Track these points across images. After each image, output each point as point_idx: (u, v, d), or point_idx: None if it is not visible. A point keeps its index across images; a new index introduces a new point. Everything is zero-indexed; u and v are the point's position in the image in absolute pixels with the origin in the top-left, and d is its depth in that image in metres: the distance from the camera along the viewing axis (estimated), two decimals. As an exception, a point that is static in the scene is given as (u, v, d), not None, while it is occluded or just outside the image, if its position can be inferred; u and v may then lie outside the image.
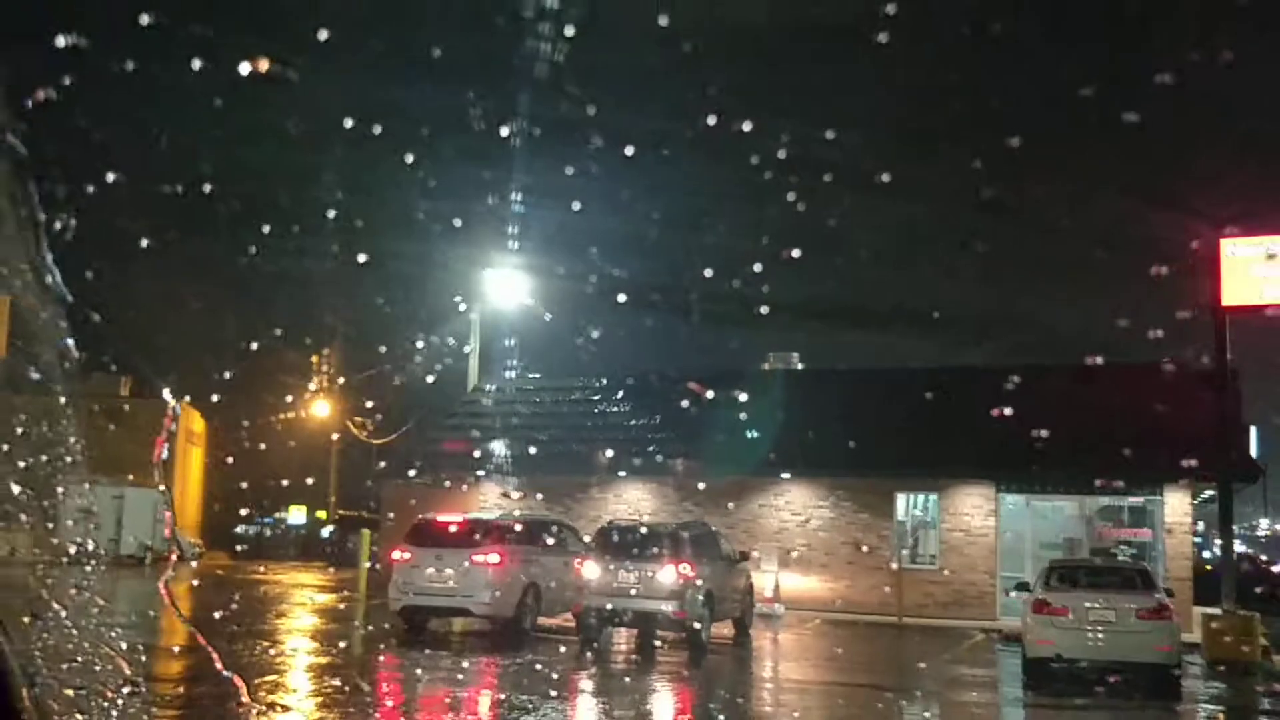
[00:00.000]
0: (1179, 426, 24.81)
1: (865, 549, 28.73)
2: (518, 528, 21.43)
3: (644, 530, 20.39)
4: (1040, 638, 17.23)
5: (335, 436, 47.41)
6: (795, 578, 28.41)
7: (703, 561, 19.54)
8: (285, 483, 45.75)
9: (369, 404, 43.92)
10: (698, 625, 18.74)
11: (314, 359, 44.55)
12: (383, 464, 35.63)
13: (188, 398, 47.23)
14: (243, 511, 50.46)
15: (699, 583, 19.03)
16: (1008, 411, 24.60)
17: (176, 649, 15.41)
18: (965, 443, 26.94)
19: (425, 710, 13.39)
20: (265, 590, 30.96)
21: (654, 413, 31.12)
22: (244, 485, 47.18)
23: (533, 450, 29.59)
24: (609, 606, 18.81)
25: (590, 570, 19.34)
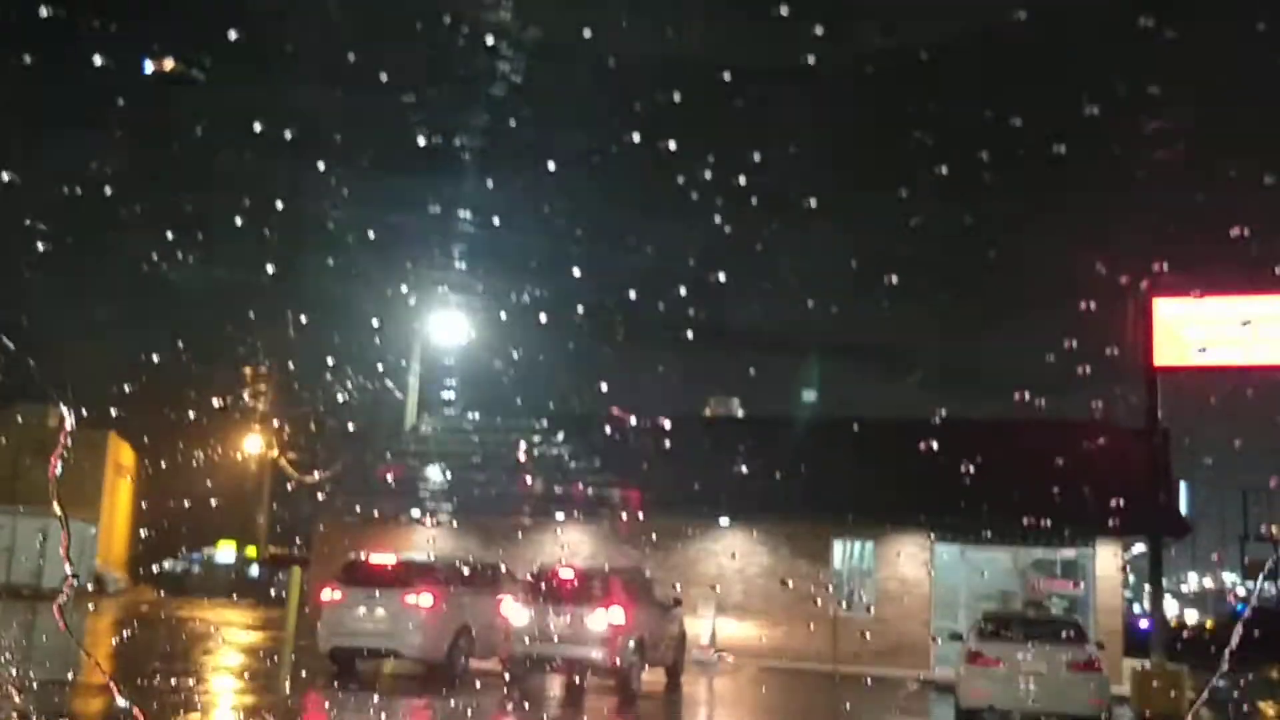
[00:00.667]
0: (1111, 481, 25.14)
1: (802, 596, 28.72)
2: (451, 569, 21.18)
3: (574, 574, 19.97)
4: (974, 688, 17.31)
5: (268, 465, 46.68)
6: (732, 624, 28.31)
7: (634, 607, 19.15)
8: (214, 519, 44.93)
9: (301, 441, 43.33)
10: (628, 672, 18.39)
11: (248, 390, 43.86)
12: (319, 498, 35.07)
13: (114, 431, 46.38)
14: (171, 547, 49.44)
15: (630, 629, 18.65)
16: (944, 462, 24.80)
17: (92, 687, 14.98)
18: (902, 492, 27.08)
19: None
20: (191, 628, 30.30)
21: (594, 455, 30.99)
22: (172, 521, 46.27)
23: (470, 490, 29.31)
24: (537, 652, 18.34)
25: (519, 615, 18.88)
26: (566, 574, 19.96)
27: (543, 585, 19.42)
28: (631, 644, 18.64)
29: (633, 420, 29.34)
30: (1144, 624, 26.48)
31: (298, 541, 42.41)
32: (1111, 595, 27.85)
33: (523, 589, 19.89)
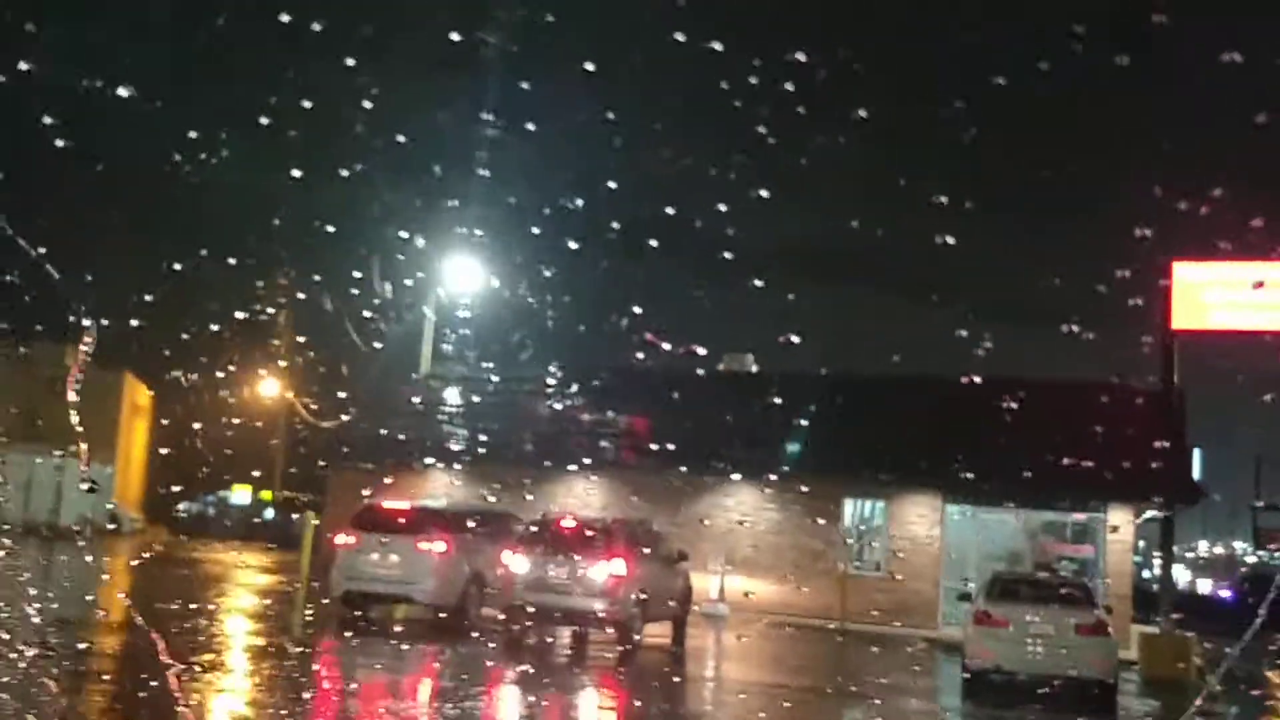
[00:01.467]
0: (1125, 446, 25.06)
1: (812, 553, 28.82)
2: (464, 516, 21.28)
3: (577, 525, 19.82)
4: (980, 649, 17.35)
5: (284, 409, 46.88)
6: (741, 579, 28.43)
7: (636, 559, 18.95)
8: (230, 460, 45.19)
9: (317, 385, 43.45)
10: (629, 625, 18.24)
11: (270, 329, 43.90)
12: (334, 443, 35.23)
13: (129, 371, 46.59)
14: (178, 488, 49.72)
15: (632, 581, 18.45)
16: (957, 422, 24.77)
17: (109, 625, 15.17)
18: (914, 452, 27.06)
19: (359, 696, 13.25)
20: (205, 569, 30.60)
21: (608, 408, 31.04)
22: (187, 462, 46.56)
23: (483, 439, 29.40)
24: (537, 602, 18.15)
25: (520, 564, 18.71)
26: (569, 524, 19.85)
27: (545, 535, 19.30)
28: (633, 596, 18.44)
29: (663, 347, 29.15)
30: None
31: (313, 486, 42.65)
32: (1121, 559, 27.88)
33: (524, 538, 19.77)
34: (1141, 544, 35.40)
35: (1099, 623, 17.41)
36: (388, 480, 28.83)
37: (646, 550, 19.92)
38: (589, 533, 19.31)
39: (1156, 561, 28.82)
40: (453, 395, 34.16)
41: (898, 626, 26.45)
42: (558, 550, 18.66)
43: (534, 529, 19.98)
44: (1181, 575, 57.84)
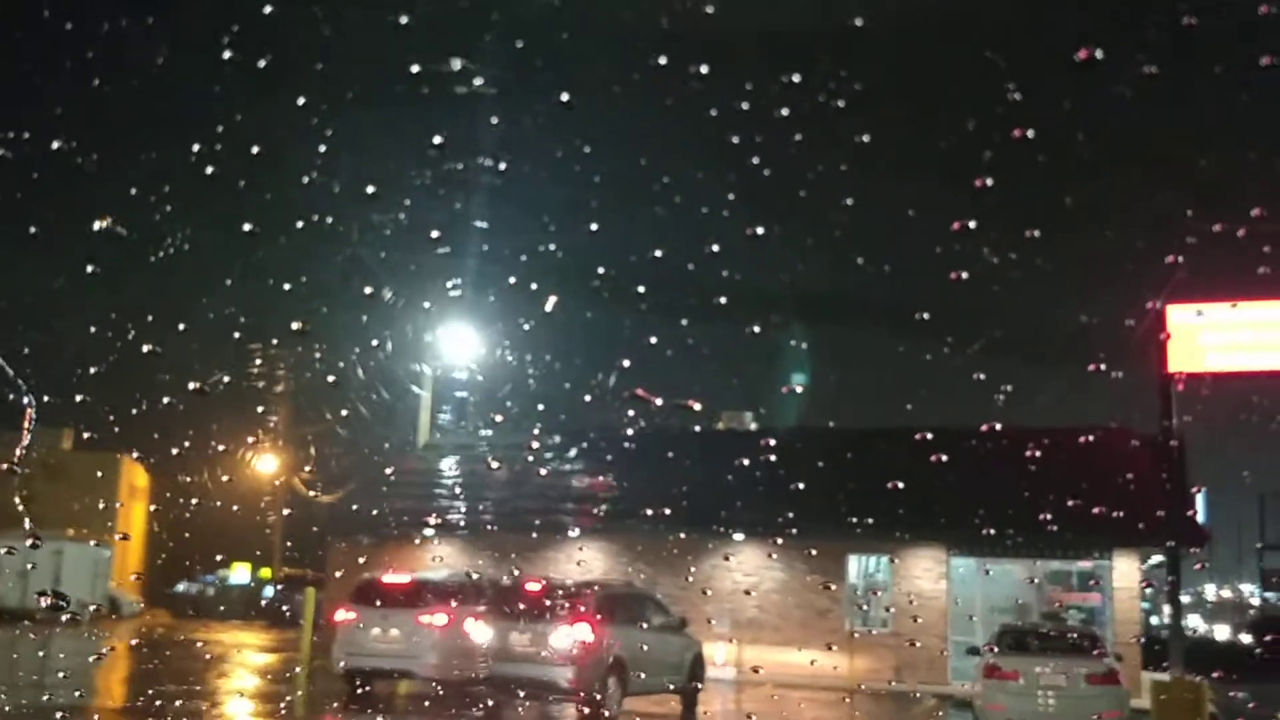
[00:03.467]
0: (1127, 491, 24.99)
1: (818, 611, 28.59)
2: (465, 587, 21.10)
3: (542, 589, 18.71)
4: (991, 702, 17.18)
5: (281, 485, 46.65)
6: (747, 640, 28.18)
7: (611, 625, 17.89)
8: (228, 540, 44.93)
9: (314, 459, 43.31)
10: (601, 697, 17.02)
11: (261, 410, 43.84)
12: (332, 517, 35.06)
13: (135, 453, 46.45)
14: (186, 569, 49.39)
15: (601, 649, 17.36)
16: (958, 474, 24.66)
17: (116, 709, 14.98)
18: (917, 506, 26.93)
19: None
20: (206, 649, 30.26)
21: (605, 472, 30.93)
22: (185, 542, 46.32)
23: (483, 506, 29.26)
24: (499, 672, 17.33)
25: (482, 632, 17.85)
26: (533, 588, 18.76)
27: (510, 601, 18.33)
28: (605, 665, 17.31)
29: (656, 402, 28.93)
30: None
31: (313, 562, 42.39)
32: (1129, 606, 27.66)
33: (490, 603, 18.90)
34: (1149, 590, 35.15)
35: (1110, 672, 17.27)
36: (387, 553, 28.66)
37: (630, 616, 18.93)
38: (556, 597, 18.16)
39: (1166, 607, 28.61)
40: (450, 465, 34.05)
41: (907, 683, 26.18)
42: (523, 616, 17.63)
43: (498, 593, 19.16)
44: (1195, 621, 57.42)
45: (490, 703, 17.77)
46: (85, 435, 43.70)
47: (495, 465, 33.29)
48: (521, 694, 17.81)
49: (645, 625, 19.33)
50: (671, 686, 19.66)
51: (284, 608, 40.25)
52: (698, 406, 28.37)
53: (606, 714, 17.30)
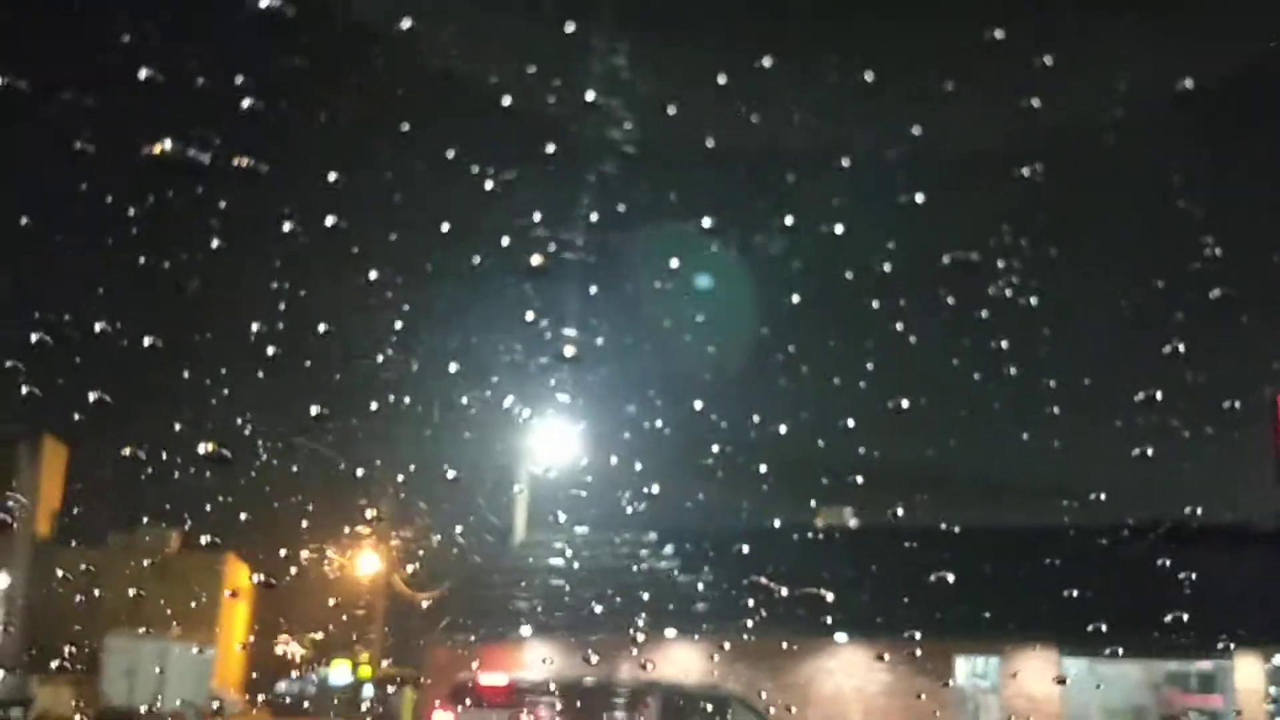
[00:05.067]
0: (1249, 587, 24.03)
1: (925, 716, 27.76)
2: (564, 689, 20.82)
3: (606, 691, 17.72)
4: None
5: (381, 584, 46.94)
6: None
7: None
8: (329, 638, 45.22)
9: (414, 558, 43.55)
10: None
11: (364, 508, 44.32)
12: (431, 616, 35.13)
13: (231, 555, 47.23)
14: (286, 668, 49.75)
15: None
16: (1069, 571, 23.93)
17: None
18: (1026, 604, 26.18)
19: None
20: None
21: (702, 570, 30.59)
22: (287, 641, 46.74)
23: (581, 607, 29.04)
24: None
25: None
26: (600, 690, 17.86)
27: (574, 703, 17.38)
28: None
29: (763, 578, 28.43)
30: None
31: (412, 660, 42.41)
32: (1255, 708, 26.42)
33: (551, 706, 17.56)
34: (1274, 690, 33.63)
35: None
36: (485, 653, 28.55)
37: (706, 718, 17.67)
38: (618, 698, 17.25)
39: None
40: (549, 562, 33.96)
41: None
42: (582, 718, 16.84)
43: (560, 695, 17.93)
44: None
45: None
46: (194, 536, 44.67)
47: (590, 565, 33.16)
48: None
49: None
50: None
51: (384, 706, 40.28)
52: (829, 597, 27.79)
53: None
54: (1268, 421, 25.22)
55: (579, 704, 17.29)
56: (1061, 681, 27.10)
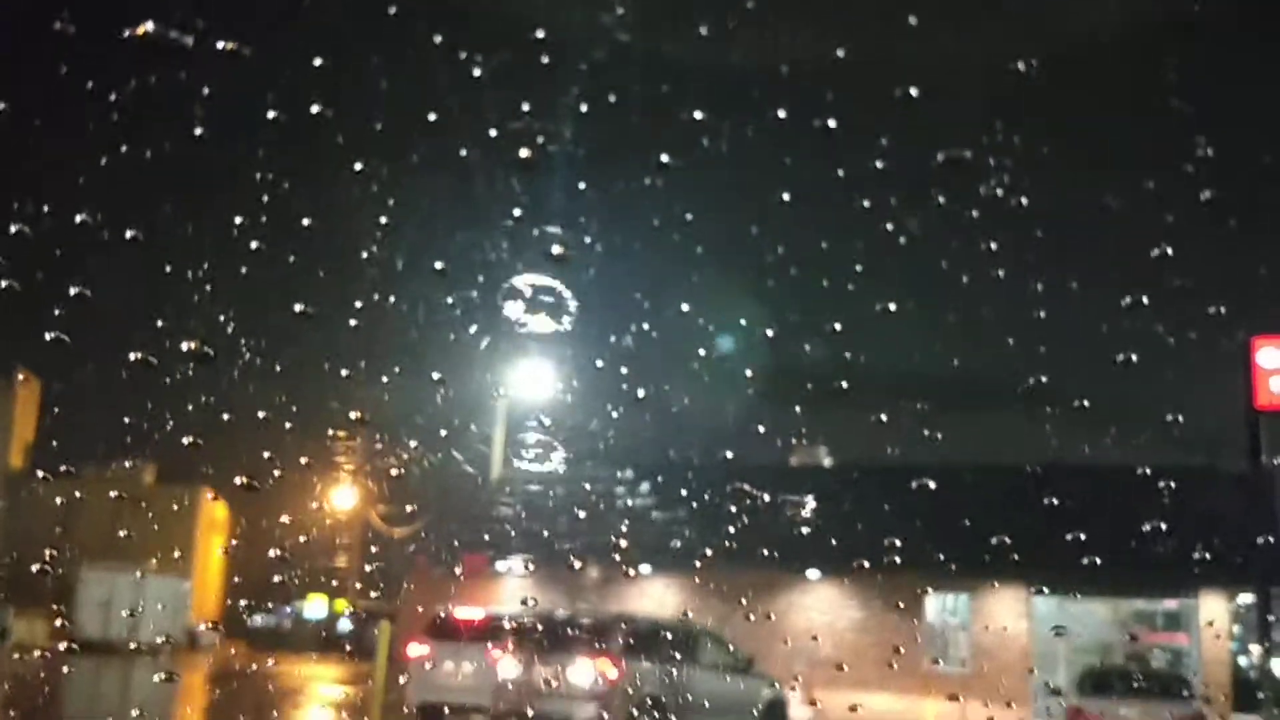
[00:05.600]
0: (1214, 529, 24.35)
1: (895, 651, 28.13)
2: (538, 624, 21.02)
3: (566, 621, 18.18)
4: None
5: (358, 519, 47.14)
6: (822, 680, 27.78)
7: (645, 661, 17.04)
8: (305, 573, 45.45)
9: (390, 494, 43.69)
10: None
11: (338, 443, 44.33)
12: (407, 551, 35.31)
13: (209, 488, 47.25)
14: (263, 601, 49.98)
15: (630, 687, 16.46)
16: (1040, 510, 24.19)
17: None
18: (997, 543, 26.46)
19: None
20: (281, 682, 30.49)
21: (678, 506, 30.80)
22: (263, 575, 46.93)
23: (557, 542, 29.23)
24: (526, 708, 16.49)
25: (507, 667, 17.20)
26: (557, 620, 18.25)
27: (538, 633, 17.69)
28: (636, 701, 16.38)
29: (741, 484, 28.59)
30: None
31: (388, 595, 42.68)
32: (1218, 647, 26.90)
33: (514, 637, 18.18)
34: (1238, 630, 34.22)
35: (1197, 715, 16.80)
36: (461, 587, 28.74)
37: (672, 652, 17.91)
38: (581, 629, 17.69)
39: (1256, 648, 27.84)
40: (524, 498, 34.10)
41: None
42: (549, 649, 17.06)
43: (523, 626, 18.42)
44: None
45: None
46: (169, 470, 44.62)
47: (566, 500, 33.29)
48: None
49: (698, 664, 18.31)
50: None
51: (360, 640, 40.54)
52: (810, 506, 27.91)
53: None
54: (1239, 363, 25.38)
55: (553, 637, 17.43)
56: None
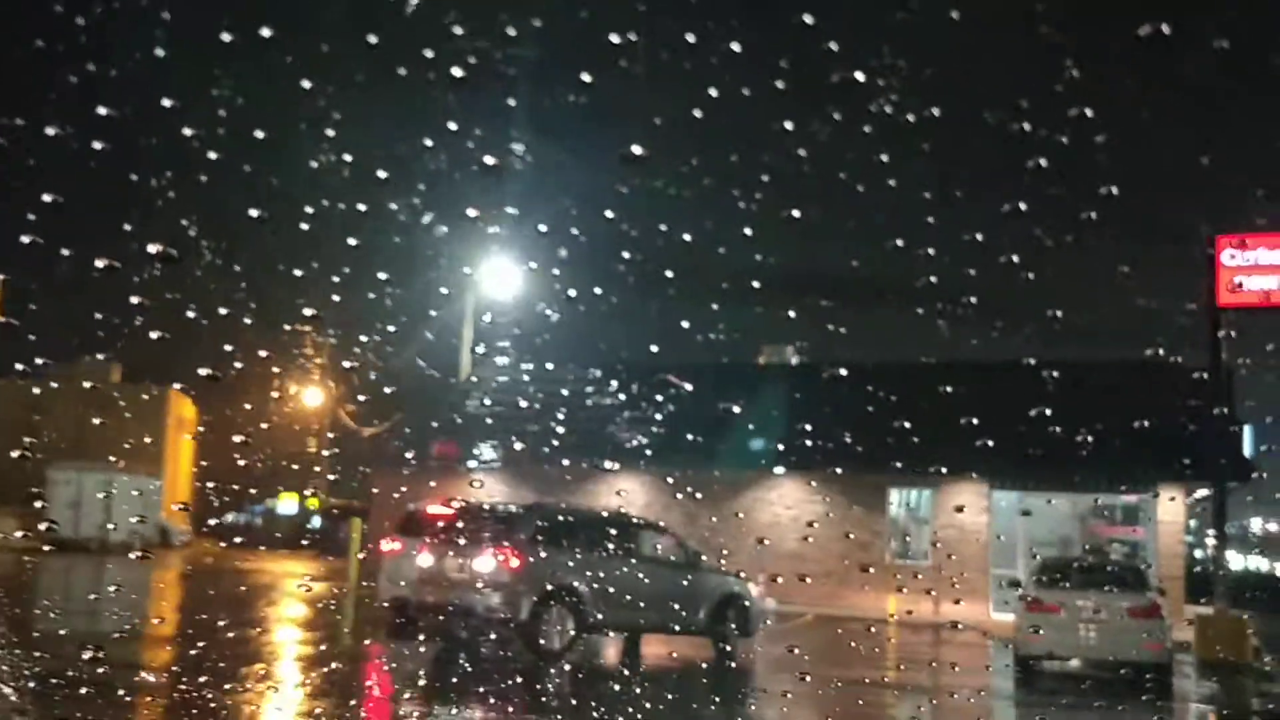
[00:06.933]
0: (1172, 425, 24.79)
1: (858, 544, 28.68)
2: (510, 518, 21.24)
3: (479, 511, 18.14)
4: (1032, 635, 17.20)
5: (328, 417, 47.24)
6: (787, 573, 28.31)
7: (557, 550, 16.86)
8: (276, 470, 45.58)
9: (360, 392, 43.77)
10: (534, 627, 16.03)
11: (306, 341, 44.23)
12: (378, 448, 35.50)
13: (177, 384, 47.10)
14: (234, 499, 50.20)
15: (534, 574, 16.33)
16: (1001, 407, 24.53)
17: (161, 639, 15.32)
18: (958, 439, 26.83)
19: (404, 696, 13.29)
20: (254, 579, 30.83)
21: (647, 405, 31.03)
22: (234, 473, 47.05)
23: (525, 440, 29.47)
24: (430, 599, 16.77)
25: (424, 558, 17.24)
26: (473, 511, 18.23)
27: (451, 525, 17.74)
28: (540, 593, 16.23)
29: (670, 375, 28.87)
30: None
31: (360, 492, 42.98)
32: (1173, 540, 27.56)
33: (431, 529, 18.32)
34: (1193, 524, 35.02)
35: (1152, 605, 17.22)
36: (431, 483, 28.96)
37: (596, 542, 17.69)
38: (495, 519, 17.66)
39: (1210, 541, 28.53)
40: (493, 397, 34.27)
41: (947, 616, 26.28)
42: (460, 541, 17.04)
43: (443, 518, 18.52)
44: (1252, 558, 57.11)
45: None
46: (135, 369, 44.42)
47: (534, 399, 33.47)
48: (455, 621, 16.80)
49: (635, 557, 18.05)
50: (678, 628, 18.08)
51: (332, 537, 40.89)
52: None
53: (544, 644, 16.18)
54: (1201, 260, 25.57)
55: (472, 529, 17.36)
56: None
